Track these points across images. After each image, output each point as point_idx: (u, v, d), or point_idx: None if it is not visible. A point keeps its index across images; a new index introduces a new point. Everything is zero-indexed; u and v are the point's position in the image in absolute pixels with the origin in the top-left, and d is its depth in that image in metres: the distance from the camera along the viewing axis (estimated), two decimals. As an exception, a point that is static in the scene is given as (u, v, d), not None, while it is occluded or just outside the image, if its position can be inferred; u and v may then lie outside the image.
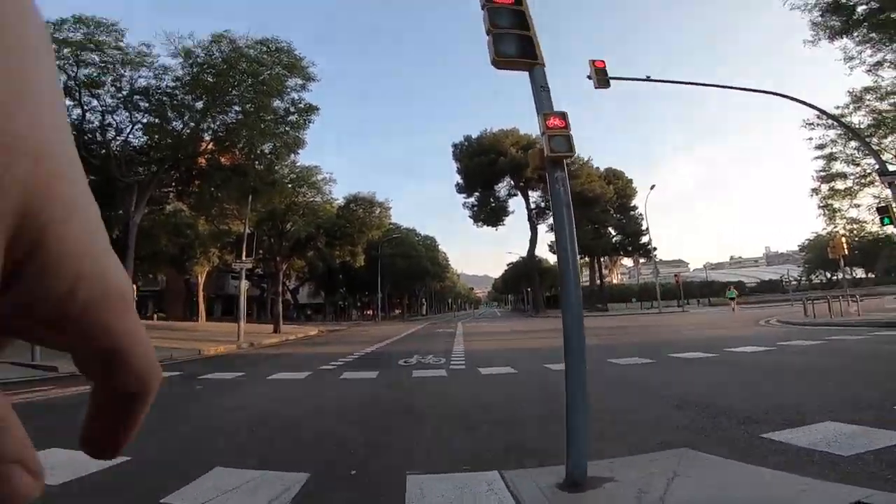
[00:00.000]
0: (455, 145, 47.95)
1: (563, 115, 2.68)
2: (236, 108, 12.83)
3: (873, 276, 55.15)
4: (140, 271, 29.25)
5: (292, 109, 13.70)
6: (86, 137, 12.73)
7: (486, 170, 42.44)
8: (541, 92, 2.77)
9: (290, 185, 18.23)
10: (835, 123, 20.57)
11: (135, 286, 38.15)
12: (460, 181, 47.40)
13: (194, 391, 6.39)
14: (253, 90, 12.34)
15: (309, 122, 13.99)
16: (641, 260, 62.81)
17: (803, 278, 63.87)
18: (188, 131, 12.91)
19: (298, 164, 21.60)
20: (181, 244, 25.41)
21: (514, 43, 2.85)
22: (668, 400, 4.44)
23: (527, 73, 2.89)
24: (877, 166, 13.73)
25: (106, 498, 2.51)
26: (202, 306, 34.20)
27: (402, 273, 51.63)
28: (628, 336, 13.16)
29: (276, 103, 13.29)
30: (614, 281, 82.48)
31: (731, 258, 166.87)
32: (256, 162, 14.77)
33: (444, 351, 10.79)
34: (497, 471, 2.71)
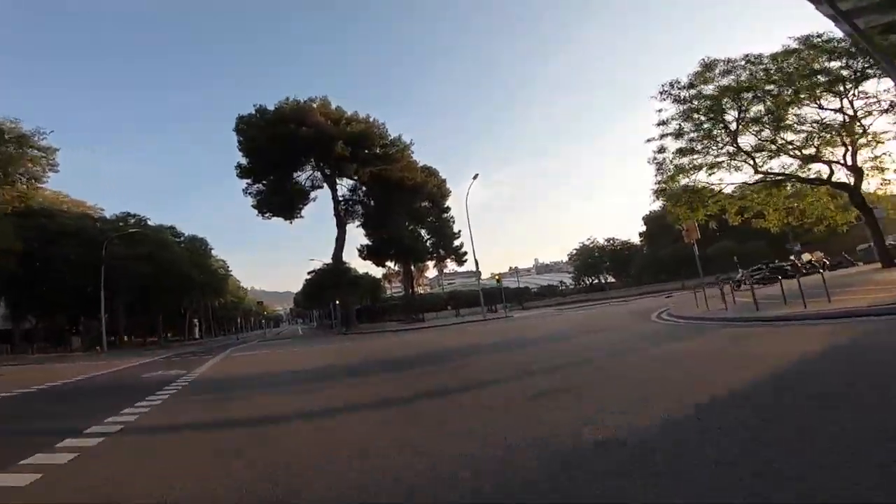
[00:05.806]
0: (241, 117, 35.77)
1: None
2: None
3: (623, 280, 66.83)
4: None
5: None
6: None
7: (282, 144, 31.77)
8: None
9: None
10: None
11: None
12: (243, 161, 35.41)
13: None
14: None
15: None
16: (448, 268, 61.80)
17: (573, 284, 75.23)
18: None
19: None
20: None
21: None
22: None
23: None
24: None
25: None
26: None
27: (152, 283, 35.57)
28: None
29: None
30: (419, 290, 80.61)
31: (510, 268, 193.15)
32: None
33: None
34: None
